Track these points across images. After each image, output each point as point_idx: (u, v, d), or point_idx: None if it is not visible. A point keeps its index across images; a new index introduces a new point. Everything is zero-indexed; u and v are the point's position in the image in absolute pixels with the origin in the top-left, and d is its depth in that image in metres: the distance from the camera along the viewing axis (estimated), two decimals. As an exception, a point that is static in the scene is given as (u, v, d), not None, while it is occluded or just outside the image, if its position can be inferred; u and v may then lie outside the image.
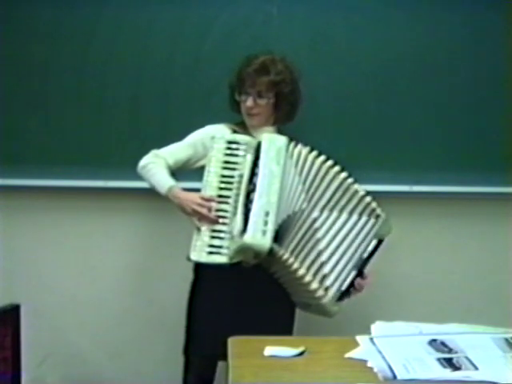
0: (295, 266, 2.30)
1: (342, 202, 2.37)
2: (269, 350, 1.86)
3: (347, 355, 1.84)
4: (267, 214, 2.25)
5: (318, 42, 2.90)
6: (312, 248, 2.33)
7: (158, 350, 3.08)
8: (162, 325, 3.07)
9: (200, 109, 2.83)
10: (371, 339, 1.92)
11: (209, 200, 2.32)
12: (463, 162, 2.97)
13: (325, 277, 2.33)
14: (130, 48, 2.90)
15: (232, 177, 2.33)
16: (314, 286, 2.32)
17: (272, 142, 2.33)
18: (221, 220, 2.32)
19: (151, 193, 2.95)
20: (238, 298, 2.40)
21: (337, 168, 2.39)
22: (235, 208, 2.30)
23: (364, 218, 2.39)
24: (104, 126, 2.93)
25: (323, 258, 2.33)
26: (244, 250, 2.25)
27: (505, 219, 3.03)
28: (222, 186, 2.34)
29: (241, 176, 2.32)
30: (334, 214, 2.36)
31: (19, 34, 2.90)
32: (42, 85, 2.92)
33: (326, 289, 2.33)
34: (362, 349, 1.87)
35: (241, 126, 2.52)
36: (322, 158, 2.39)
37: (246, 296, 2.39)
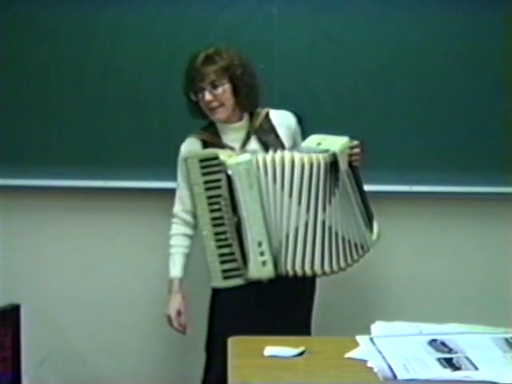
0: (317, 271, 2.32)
1: (329, 187, 2.28)
2: (269, 350, 1.86)
3: (347, 355, 1.84)
4: (260, 244, 2.28)
5: (319, 42, 2.90)
6: (336, 241, 2.32)
7: (157, 349, 3.08)
8: (161, 325, 3.06)
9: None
10: (371, 339, 1.91)
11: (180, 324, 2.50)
12: (463, 162, 2.97)
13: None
14: (130, 48, 2.90)
15: (218, 196, 2.31)
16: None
17: (236, 167, 2.26)
18: (224, 243, 2.33)
19: (151, 193, 2.96)
20: (259, 298, 2.40)
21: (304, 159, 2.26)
22: (231, 226, 2.31)
23: (340, 179, 2.31)
24: (104, 126, 2.94)
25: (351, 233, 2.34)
26: (253, 280, 2.32)
27: (505, 219, 3.03)
28: (213, 207, 2.32)
29: (225, 199, 2.30)
30: (333, 202, 2.29)
31: (19, 33, 2.90)
32: (42, 85, 2.93)
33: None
34: (362, 349, 1.87)
35: (210, 131, 2.48)
36: (288, 155, 2.27)
37: (267, 296, 2.39)
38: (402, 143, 2.95)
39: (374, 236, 2.40)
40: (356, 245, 2.35)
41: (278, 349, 1.87)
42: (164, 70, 2.90)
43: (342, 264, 2.33)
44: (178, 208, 2.52)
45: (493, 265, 3.05)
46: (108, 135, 2.94)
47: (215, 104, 2.38)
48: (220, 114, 2.41)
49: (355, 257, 2.35)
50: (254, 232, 2.29)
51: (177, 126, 2.90)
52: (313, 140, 2.38)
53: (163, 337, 3.06)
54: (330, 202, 2.28)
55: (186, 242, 2.51)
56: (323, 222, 2.28)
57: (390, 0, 2.91)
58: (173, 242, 2.53)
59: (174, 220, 2.53)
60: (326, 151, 2.26)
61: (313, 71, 2.90)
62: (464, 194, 2.97)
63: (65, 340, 3.10)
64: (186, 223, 2.50)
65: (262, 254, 2.29)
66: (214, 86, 2.37)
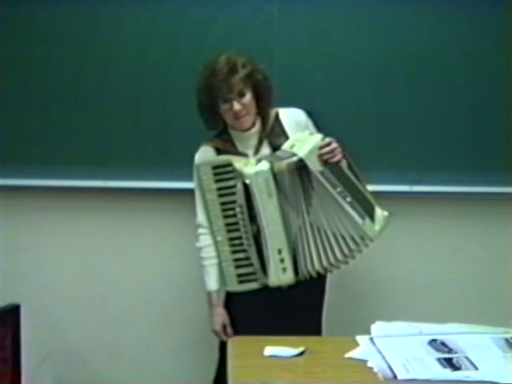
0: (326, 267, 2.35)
1: (306, 190, 2.32)
2: (269, 350, 1.87)
3: (347, 355, 1.84)
4: (280, 251, 2.31)
5: (318, 42, 2.90)
6: (328, 238, 2.34)
7: (158, 349, 3.08)
8: (162, 325, 3.07)
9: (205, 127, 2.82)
10: (371, 339, 1.92)
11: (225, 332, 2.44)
12: (463, 161, 2.97)
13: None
14: (130, 48, 2.90)
15: (232, 202, 2.33)
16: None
17: (255, 177, 2.28)
18: (239, 248, 2.36)
19: (151, 193, 2.96)
20: (273, 299, 2.40)
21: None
22: (246, 233, 2.33)
23: (314, 180, 2.33)
24: (104, 126, 2.94)
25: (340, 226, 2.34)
26: (273, 287, 2.35)
27: (505, 219, 3.02)
28: (227, 213, 2.35)
29: (241, 206, 2.32)
30: (313, 203, 2.33)
31: (19, 34, 2.90)
32: (42, 85, 2.93)
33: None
34: (362, 349, 1.87)
35: (223, 138, 2.48)
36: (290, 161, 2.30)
37: (280, 297, 2.40)
38: (402, 143, 2.95)
39: (377, 226, 2.37)
40: (352, 237, 2.34)
41: (278, 349, 1.87)
42: (164, 70, 2.90)
43: (340, 256, 2.34)
44: (202, 217, 2.46)
45: (493, 265, 3.05)
46: (108, 135, 2.94)
47: (244, 112, 2.38)
48: (246, 123, 2.42)
49: (353, 247, 2.34)
50: (274, 240, 2.31)
51: (176, 126, 2.90)
52: (289, 142, 2.41)
53: (163, 337, 3.06)
54: (311, 204, 2.32)
55: (216, 251, 2.45)
56: (311, 224, 2.33)
57: (389, 0, 2.91)
58: (204, 254, 2.47)
59: (201, 231, 2.47)
60: (294, 155, 2.29)
61: (313, 71, 2.90)
62: (464, 193, 2.97)
63: (65, 340, 3.10)
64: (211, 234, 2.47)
65: (282, 261, 2.32)
66: (242, 95, 2.37)
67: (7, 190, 2.96)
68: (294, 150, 2.32)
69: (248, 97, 2.38)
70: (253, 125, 2.45)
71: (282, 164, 2.28)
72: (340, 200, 2.31)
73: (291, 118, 2.49)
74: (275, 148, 2.43)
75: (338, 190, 2.31)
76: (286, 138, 2.44)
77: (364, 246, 2.36)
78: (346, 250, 2.34)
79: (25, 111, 2.93)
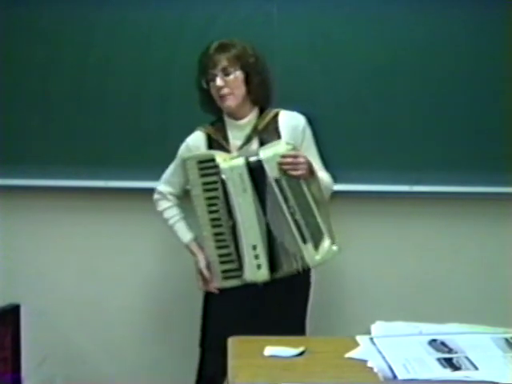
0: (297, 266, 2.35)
1: (260, 191, 2.34)
2: (269, 350, 1.86)
3: (347, 355, 1.84)
4: (255, 247, 2.32)
5: (319, 42, 2.90)
6: (276, 246, 2.35)
7: (157, 349, 3.08)
8: (162, 325, 3.07)
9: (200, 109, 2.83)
10: (371, 339, 1.92)
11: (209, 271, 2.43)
12: (463, 161, 2.97)
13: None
14: (130, 48, 2.90)
15: (216, 198, 2.34)
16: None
17: (230, 171, 2.31)
18: (222, 244, 2.37)
19: (151, 193, 2.96)
20: (253, 296, 2.40)
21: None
22: (227, 228, 2.34)
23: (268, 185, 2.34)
24: (104, 126, 2.94)
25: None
26: (249, 282, 2.36)
27: (505, 219, 3.02)
28: (212, 208, 2.36)
29: (222, 202, 2.34)
30: (268, 206, 2.33)
31: (19, 33, 2.90)
32: (42, 85, 2.93)
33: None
34: (362, 349, 1.87)
35: (216, 126, 2.48)
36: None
37: (261, 294, 2.40)
38: (402, 143, 2.95)
39: (318, 256, 2.35)
40: (294, 255, 2.34)
41: (277, 349, 1.87)
42: (164, 70, 2.90)
43: (285, 266, 2.35)
44: (166, 189, 2.54)
45: (493, 265, 3.05)
46: (108, 135, 2.94)
47: (226, 91, 2.39)
48: (230, 102, 2.40)
49: (294, 266, 2.35)
50: (248, 235, 2.32)
51: (176, 126, 2.90)
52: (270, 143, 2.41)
53: (163, 336, 3.06)
54: (265, 205, 2.33)
55: (178, 209, 2.53)
56: (268, 225, 2.33)
57: (390, 0, 2.91)
58: (167, 215, 2.54)
59: (160, 196, 2.55)
60: (255, 155, 2.30)
61: (313, 71, 2.90)
62: (464, 193, 2.97)
63: (65, 340, 3.10)
64: (170, 200, 2.53)
65: (256, 257, 2.33)
66: (226, 73, 2.38)
67: (7, 190, 2.96)
68: (263, 150, 2.33)
69: (233, 76, 2.38)
70: (243, 114, 2.44)
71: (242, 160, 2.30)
72: (287, 214, 2.31)
73: (289, 120, 2.48)
74: (264, 145, 2.42)
75: (289, 204, 2.31)
76: (279, 137, 2.43)
77: (305, 267, 2.36)
78: (294, 265, 2.35)
79: (25, 111, 2.94)
